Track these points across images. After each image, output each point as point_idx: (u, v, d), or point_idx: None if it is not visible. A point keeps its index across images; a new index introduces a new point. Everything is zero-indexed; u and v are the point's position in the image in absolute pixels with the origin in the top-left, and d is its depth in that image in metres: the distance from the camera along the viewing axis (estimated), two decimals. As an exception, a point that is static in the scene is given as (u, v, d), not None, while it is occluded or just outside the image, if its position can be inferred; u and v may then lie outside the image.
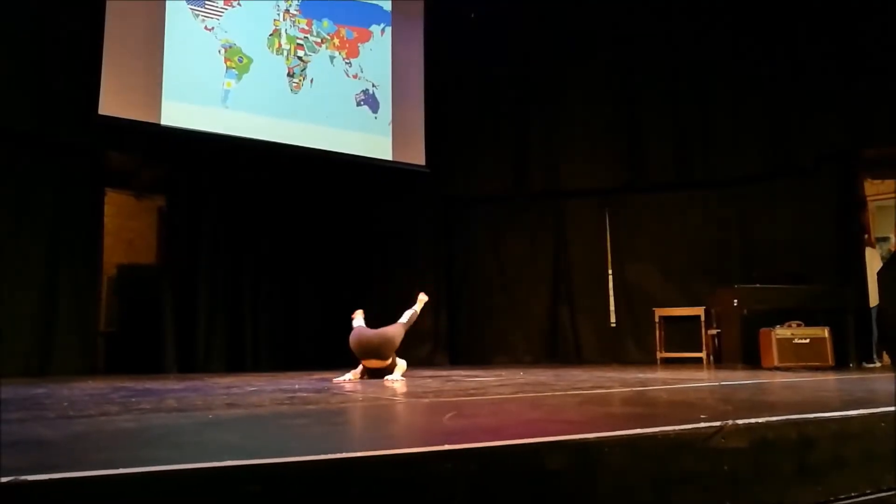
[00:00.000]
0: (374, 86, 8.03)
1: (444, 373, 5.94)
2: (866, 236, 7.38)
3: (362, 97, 7.95)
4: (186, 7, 6.93)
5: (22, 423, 2.22)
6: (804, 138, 7.48)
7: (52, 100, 6.20)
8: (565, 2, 8.55)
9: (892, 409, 2.04)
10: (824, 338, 6.21)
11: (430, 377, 5.09)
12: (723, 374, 5.39)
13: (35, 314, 6.10)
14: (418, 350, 8.24)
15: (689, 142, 8.03)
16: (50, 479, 1.17)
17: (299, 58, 7.56)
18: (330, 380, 4.83)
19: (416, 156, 8.20)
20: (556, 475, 1.50)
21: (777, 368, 6.01)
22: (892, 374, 4.89)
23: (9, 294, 5.94)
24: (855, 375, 4.98)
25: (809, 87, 7.45)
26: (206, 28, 7.01)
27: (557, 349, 8.32)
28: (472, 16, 8.78)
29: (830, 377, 4.74)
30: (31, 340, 6.05)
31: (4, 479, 1.14)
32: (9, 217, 6.06)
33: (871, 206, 7.94)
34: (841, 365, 6.22)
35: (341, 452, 1.36)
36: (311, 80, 7.59)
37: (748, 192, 7.88)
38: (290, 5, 7.58)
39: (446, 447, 1.43)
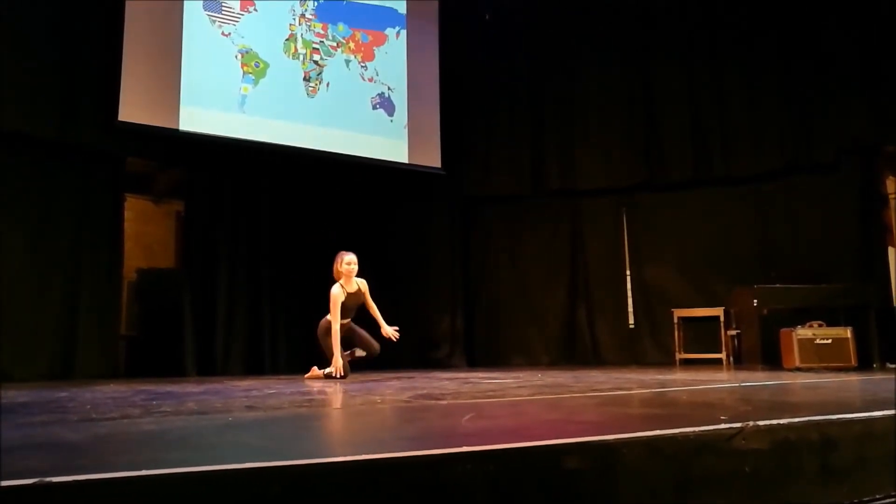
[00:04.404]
0: (389, 89, 8.05)
1: (462, 375, 5.94)
2: (889, 235, 7.27)
3: (378, 100, 7.97)
4: (203, 13, 6.99)
5: (46, 426, 2.25)
6: (824, 134, 7.39)
7: (72, 106, 6.28)
8: (580, 0, 8.53)
9: (917, 409, 2.00)
10: (847, 338, 6.12)
11: (448, 379, 5.09)
12: (743, 374, 5.34)
13: (57, 318, 6.18)
14: (436, 352, 8.26)
15: (708, 138, 7.95)
16: (74, 481, 1.18)
17: (315, 62, 7.61)
18: (346, 382, 4.85)
19: (432, 158, 8.21)
20: (576, 476, 1.49)
21: (798, 369, 5.94)
22: (916, 374, 4.82)
23: (31, 298, 6.03)
24: (879, 376, 4.91)
25: (829, 82, 7.35)
26: (222, 34, 7.07)
27: (575, 350, 8.28)
28: (487, 17, 8.78)
29: (853, 378, 4.68)
30: (53, 344, 6.12)
31: (30, 481, 1.16)
32: (31, 222, 6.14)
33: (893, 203, 7.82)
34: (864, 365, 6.13)
35: (361, 454, 1.36)
36: (327, 85, 7.63)
37: (767, 189, 7.78)
38: (306, 10, 7.63)
39: (465, 449, 1.43)
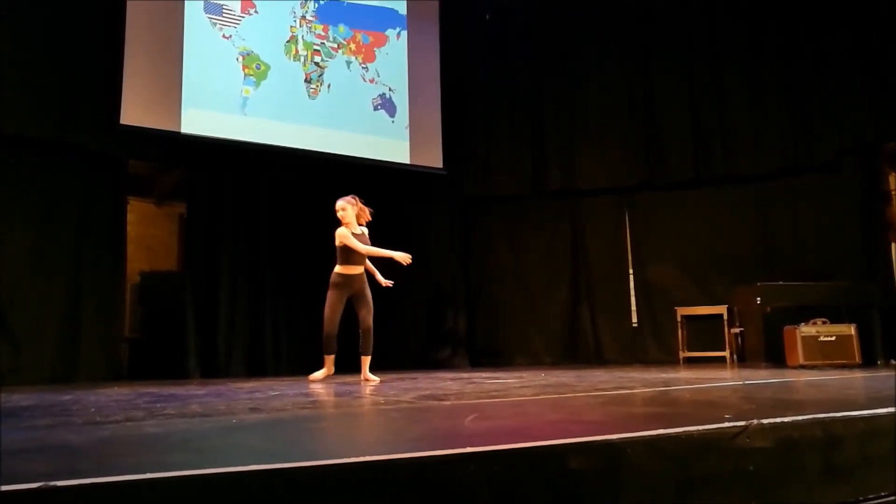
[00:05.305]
0: (390, 90, 8.05)
1: (465, 375, 5.93)
2: (892, 231, 7.27)
3: (379, 101, 7.98)
4: (204, 16, 7.00)
5: (50, 430, 2.25)
6: (825, 132, 7.39)
7: (73, 108, 6.29)
8: (580, 0, 8.53)
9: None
10: (851, 335, 6.12)
11: (451, 379, 5.09)
12: (746, 372, 5.34)
13: (60, 321, 6.18)
14: (438, 352, 8.26)
15: (709, 138, 7.94)
16: (79, 485, 1.18)
17: (316, 63, 7.61)
18: (350, 383, 4.85)
19: (434, 158, 8.21)
20: (580, 476, 1.49)
21: (802, 367, 5.94)
22: (920, 372, 4.81)
23: (34, 302, 6.03)
24: (883, 373, 4.91)
25: (830, 80, 7.36)
26: (223, 36, 7.08)
27: (578, 350, 8.28)
28: (487, 17, 8.78)
29: (857, 375, 4.68)
30: (56, 347, 6.12)
31: (35, 485, 1.16)
32: (34, 225, 6.15)
33: (894, 199, 7.82)
34: (868, 363, 6.12)
35: (364, 456, 1.36)
36: (329, 86, 7.64)
37: (769, 188, 7.79)
38: (306, 11, 7.63)
39: (469, 449, 1.43)
